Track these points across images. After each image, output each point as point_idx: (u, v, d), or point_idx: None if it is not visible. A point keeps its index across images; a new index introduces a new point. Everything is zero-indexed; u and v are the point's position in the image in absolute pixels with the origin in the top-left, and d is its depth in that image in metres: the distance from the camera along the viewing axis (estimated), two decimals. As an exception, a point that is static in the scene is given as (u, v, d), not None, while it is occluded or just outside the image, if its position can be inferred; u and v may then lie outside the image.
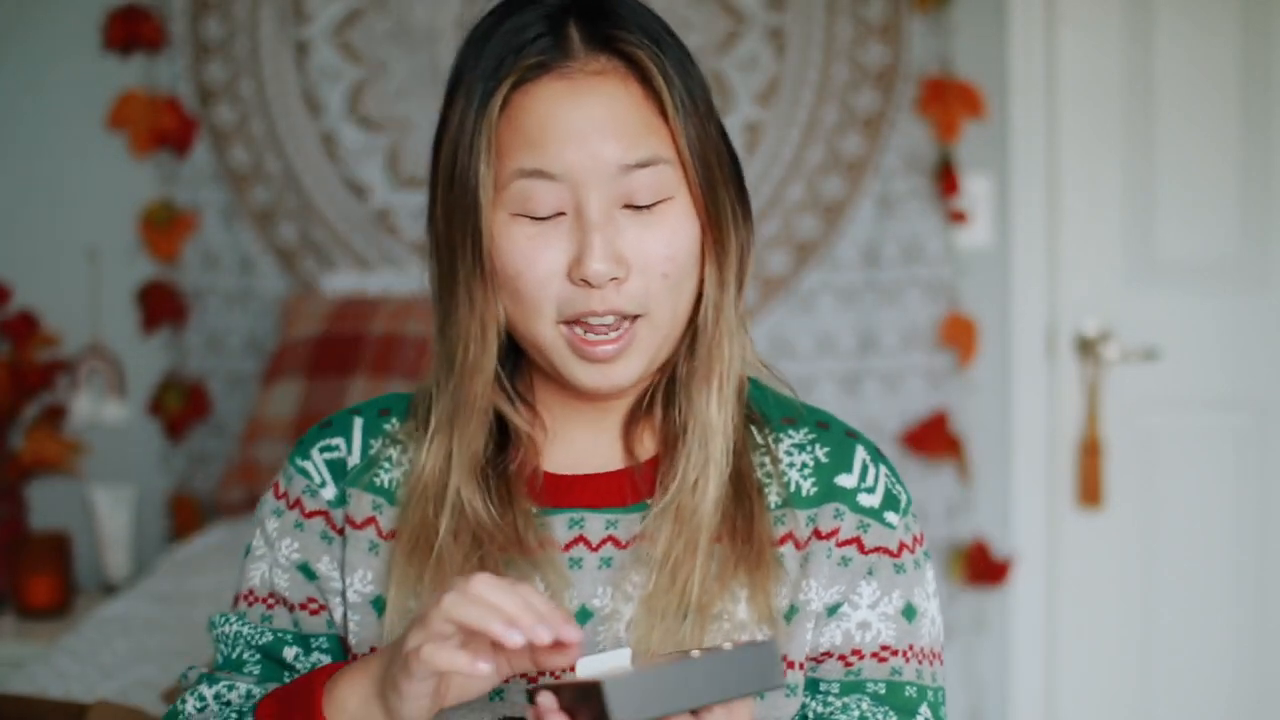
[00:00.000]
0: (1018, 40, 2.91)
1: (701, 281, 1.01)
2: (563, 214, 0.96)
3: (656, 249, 0.97)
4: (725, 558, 1.01)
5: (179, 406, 2.95)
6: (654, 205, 0.97)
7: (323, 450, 1.09)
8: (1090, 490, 2.92)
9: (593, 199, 0.95)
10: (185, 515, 2.94)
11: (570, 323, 0.97)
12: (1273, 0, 2.88)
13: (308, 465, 1.09)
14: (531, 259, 0.96)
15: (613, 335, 0.97)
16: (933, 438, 2.90)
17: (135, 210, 2.95)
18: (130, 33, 2.91)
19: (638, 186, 0.96)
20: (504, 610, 0.84)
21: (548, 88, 0.96)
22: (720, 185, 1.00)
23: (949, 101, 2.88)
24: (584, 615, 1.01)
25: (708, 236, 1.00)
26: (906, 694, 1.03)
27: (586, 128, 0.95)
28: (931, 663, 1.05)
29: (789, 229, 2.92)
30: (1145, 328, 2.94)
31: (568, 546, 1.02)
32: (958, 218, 2.90)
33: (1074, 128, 2.92)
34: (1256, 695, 2.97)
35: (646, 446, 1.06)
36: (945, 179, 2.89)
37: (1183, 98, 2.91)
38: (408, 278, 2.88)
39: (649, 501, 1.03)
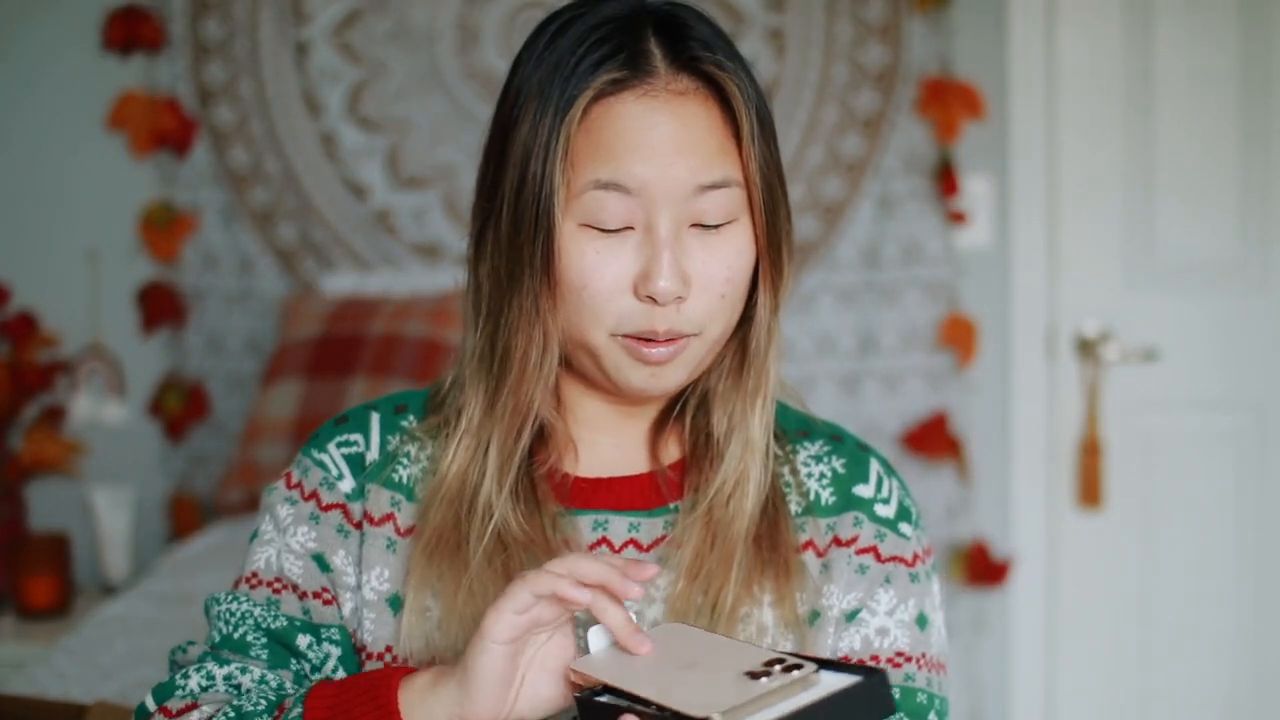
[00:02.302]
0: (1018, 41, 2.91)
1: (753, 303, 1.02)
2: (631, 228, 0.97)
3: (718, 270, 0.98)
4: (751, 563, 1.02)
5: (179, 407, 2.95)
6: (720, 226, 0.98)
7: (340, 445, 1.08)
8: (1090, 491, 2.92)
9: (664, 217, 0.96)
10: (185, 516, 2.94)
11: (627, 335, 0.99)
12: (1272, 1, 2.88)
13: (324, 458, 1.08)
14: (598, 271, 0.96)
15: (666, 340, 0.98)
16: (932, 438, 2.90)
17: (135, 211, 2.96)
18: (130, 33, 2.91)
19: (708, 207, 0.97)
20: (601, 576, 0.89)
21: (631, 104, 0.96)
22: (781, 208, 1.01)
23: (949, 102, 2.88)
24: None
25: (764, 260, 1.01)
26: (918, 700, 1.05)
27: (665, 146, 0.95)
28: (939, 672, 1.07)
29: (789, 229, 2.92)
30: (1145, 328, 2.94)
31: (591, 548, 1.03)
32: (957, 218, 2.90)
33: (1074, 128, 2.92)
34: (1255, 695, 2.97)
35: (671, 452, 1.07)
36: (945, 179, 2.89)
37: (1182, 98, 2.91)
38: (407, 278, 2.88)
39: (673, 506, 1.05)
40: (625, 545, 1.04)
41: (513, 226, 0.98)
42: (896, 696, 1.04)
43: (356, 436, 1.08)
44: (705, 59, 0.97)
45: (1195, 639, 2.96)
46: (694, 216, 0.97)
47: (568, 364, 1.04)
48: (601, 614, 0.88)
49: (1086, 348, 2.94)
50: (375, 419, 1.09)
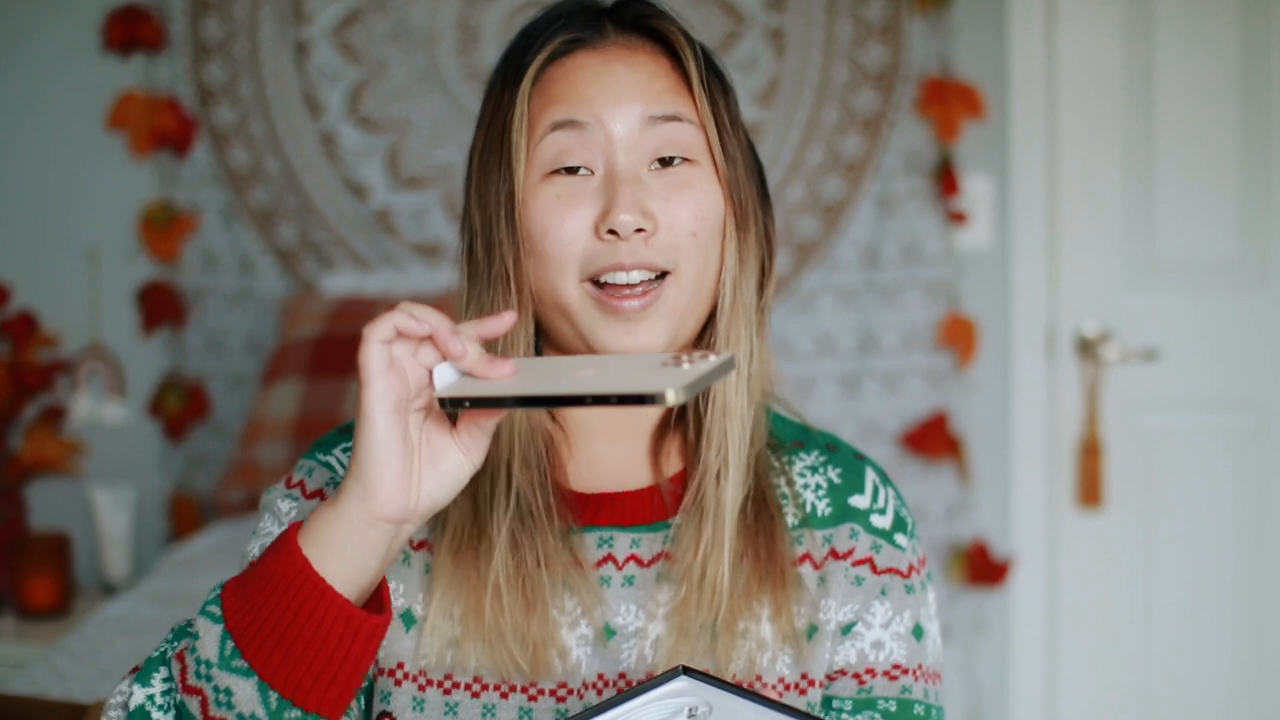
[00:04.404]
0: (1018, 40, 2.91)
1: (723, 259, 1.03)
2: (591, 172, 0.99)
3: (685, 209, 1.00)
4: (749, 576, 1.02)
5: (179, 407, 2.95)
6: (680, 164, 1.00)
7: (346, 450, 1.07)
8: (1090, 490, 2.92)
9: (620, 154, 0.99)
10: (185, 515, 2.94)
11: (596, 282, 0.99)
12: (1271, 3, 2.89)
13: (331, 460, 1.08)
14: (560, 217, 0.98)
15: (639, 290, 0.99)
16: (932, 438, 2.90)
17: (135, 211, 2.96)
18: (130, 33, 2.91)
19: (664, 141, 1.00)
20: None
21: (583, 58, 1.01)
22: (740, 156, 1.03)
23: (949, 102, 2.88)
24: (609, 632, 1.02)
25: (729, 207, 1.02)
26: (915, 712, 1.04)
27: (616, 85, 1.00)
28: (935, 682, 1.07)
29: (789, 229, 2.92)
30: (1145, 328, 2.94)
31: (597, 565, 1.03)
32: (957, 218, 2.90)
33: (1074, 128, 2.93)
34: (1254, 694, 2.97)
35: (673, 463, 1.07)
36: (945, 179, 2.89)
37: (1182, 98, 2.91)
38: (407, 278, 2.88)
39: (672, 521, 1.04)
40: (627, 560, 1.03)
41: (481, 198, 1.01)
42: (892, 709, 1.04)
43: None
44: (653, 15, 1.03)
45: (1195, 638, 2.96)
46: (652, 151, 1.00)
47: (557, 349, 1.04)
48: (446, 348, 0.85)
49: (1086, 348, 2.94)
50: None
